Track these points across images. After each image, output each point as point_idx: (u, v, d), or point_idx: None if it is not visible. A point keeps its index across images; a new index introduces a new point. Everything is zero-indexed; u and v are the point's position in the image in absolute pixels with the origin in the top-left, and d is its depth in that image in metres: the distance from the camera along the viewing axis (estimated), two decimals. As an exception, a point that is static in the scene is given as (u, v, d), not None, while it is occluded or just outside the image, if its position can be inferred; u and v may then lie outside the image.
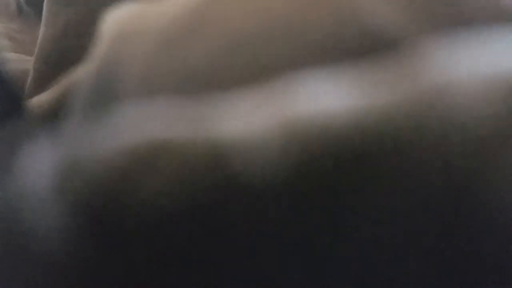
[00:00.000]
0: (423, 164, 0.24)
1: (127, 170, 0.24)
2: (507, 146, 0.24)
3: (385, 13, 0.26)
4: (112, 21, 0.29)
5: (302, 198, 0.24)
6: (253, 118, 0.25)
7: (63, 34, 0.57)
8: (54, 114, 0.33)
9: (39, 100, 0.42)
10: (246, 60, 0.25)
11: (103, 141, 0.25)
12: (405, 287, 0.24)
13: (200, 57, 0.26)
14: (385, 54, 0.25)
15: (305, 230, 0.24)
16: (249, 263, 0.24)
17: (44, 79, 0.52)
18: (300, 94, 0.25)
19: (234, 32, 0.26)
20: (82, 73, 0.29)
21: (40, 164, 0.26)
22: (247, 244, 0.24)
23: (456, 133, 0.24)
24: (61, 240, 0.25)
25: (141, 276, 0.25)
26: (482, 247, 0.24)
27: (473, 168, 0.24)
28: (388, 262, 0.24)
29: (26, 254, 0.25)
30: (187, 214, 0.24)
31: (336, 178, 0.24)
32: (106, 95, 0.27)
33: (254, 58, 0.25)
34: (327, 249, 0.24)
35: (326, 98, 0.24)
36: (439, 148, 0.24)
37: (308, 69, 0.25)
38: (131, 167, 0.24)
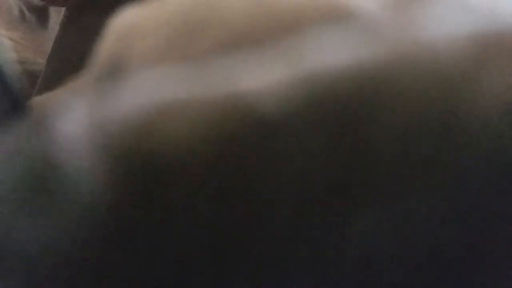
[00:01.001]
0: (413, 104, 0.26)
1: (145, 130, 0.26)
2: (475, 86, 0.27)
3: None
4: (119, 21, 0.31)
5: (311, 128, 0.26)
6: (265, 72, 0.27)
7: (78, 39, 0.58)
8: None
9: (44, 99, 0.44)
10: (233, 22, 0.28)
11: (119, 107, 0.27)
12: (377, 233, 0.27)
13: (206, 47, 0.28)
14: (364, 18, 0.28)
15: (313, 162, 0.26)
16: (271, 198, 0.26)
17: (55, 80, 0.53)
18: (308, 51, 0.27)
19: (240, 23, 0.28)
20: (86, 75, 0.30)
21: (74, 123, 0.27)
22: (267, 180, 0.26)
23: (435, 75, 0.27)
24: (96, 185, 0.26)
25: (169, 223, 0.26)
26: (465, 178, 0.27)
27: (448, 102, 0.27)
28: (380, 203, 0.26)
29: (62, 199, 0.26)
30: (214, 154, 0.26)
31: (340, 115, 0.26)
32: (119, 68, 0.29)
33: (242, 19, 0.28)
34: (329, 188, 0.26)
35: (327, 55, 0.27)
36: (424, 88, 0.27)
37: (315, 28, 0.28)
38: (149, 127, 0.26)
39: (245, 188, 0.26)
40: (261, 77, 0.27)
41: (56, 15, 0.75)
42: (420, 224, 0.27)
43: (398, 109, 0.26)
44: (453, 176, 0.27)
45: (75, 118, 0.27)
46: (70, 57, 0.58)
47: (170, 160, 0.26)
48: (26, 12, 0.75)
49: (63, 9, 0.62)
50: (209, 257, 0.26)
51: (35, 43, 0.73)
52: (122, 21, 0.31)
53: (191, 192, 0.26)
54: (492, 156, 0.27)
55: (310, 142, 0.26)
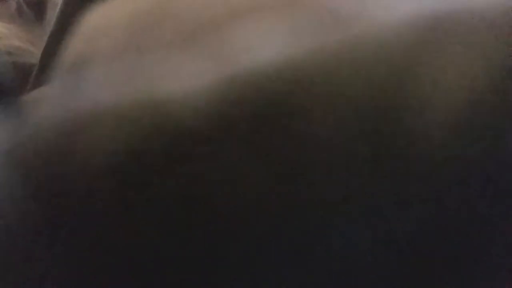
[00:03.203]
0: (351, 92, 0.26)
1: (71, 137, 0.26)
2: (422, 79, 0.26)
3: None
4: (85, 20, 0.32)
5: (241, 143, 0.25)
6: (191, 72, 0.26)
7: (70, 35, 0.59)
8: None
9: (38, 94, 0.45)
10: (183, 19, 0.27)
11: (49, 111, 0.27)
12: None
13: (159, 43, 0.28)
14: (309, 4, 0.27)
15: (244, 172, 0.25)
16: (199, 210, 0.25)
17: (47, 75, 0.55)
18: (235, 45, 0.26)
19: (191, 22, 0.28)
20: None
21: None
22: (197, 189, 0.25)
23: (378, 67, 0.26)
24: (12, 203, 0.26)
25: (84, 241, 0.26)
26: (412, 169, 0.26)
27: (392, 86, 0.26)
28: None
29: None
30: (131, 163, 0.25)
31: (270, 122, 0.25)
32: (81, 68, 0.28)
33: (191, 16, 0.27)
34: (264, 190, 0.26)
35: (260, 49, 0.26)
36: (364, 74, 0.26)
37: (243, 23, 0.27)
38: (76, 133, 0.26)
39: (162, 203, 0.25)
40: (185, 77, 0.26)
41: (53, 11, 0.76)
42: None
43: (334, 108, 0.25)
44: (395, 180, 0.26)
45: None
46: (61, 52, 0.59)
47: (87, 175, 0.25)
48: (24, 6, 0.76)
49: (59, 5, 0.63)
50: None
51: (32, 37, 0.74)
52: (88, 20, 0.31)
53: (108, 209, 0.25)
54: (438, 163, 0.26)
55: (229, 150, 0.25)
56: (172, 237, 0.26)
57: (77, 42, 0.31)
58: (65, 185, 0.25)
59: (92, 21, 0.32)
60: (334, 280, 0.26)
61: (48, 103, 0.28)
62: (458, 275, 0.27)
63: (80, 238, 0.25)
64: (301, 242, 0.26)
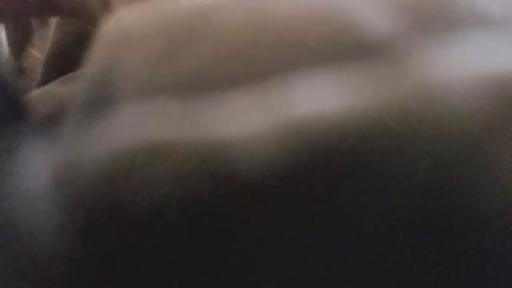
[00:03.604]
0: (415, 161, 0.24)
1: (124, 172, 0.25)
2: (494, 142, 0.24)
3: (377, 18, 0.27)
4: (111, 25, 0.29)
5: (297, 194, 0.24)
6: (249, 118, 0.25)
7: (74, 39, 0.58)
8: (54, 116, 0.33)
9: (38, 94, 0.43)
10: (243, 62, 0.26)
11: (100, 143, 0.26)
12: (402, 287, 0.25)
13: (199, 60, 0.26)
14: (377, 56, 0.26)
15: (299, 226, 0.24)
16: (246, 259, 0.25)
17: (52, 79, 0.53)
18: (296, 94, 0.25)
19: (233, 37, 0.27)
20: (81, 76, 0.29)
21: (38, 166, 0.26)
22: (244, 241, 0.24)
23: (446, 130, 0.24)
24: (58, 241, 0.25)
25: (134, 276, 0.25)
26: (477, 246, 0.25)
27: (463, 164, 0.24)
28: (382, 261, 0.25)
29: (23, 254, 0.25)
30: (186, 213, 0.24)
31: (331, 175, 0.24)
32: (103, 97, 0.27)
33: (251, 60, 0.26)
34: (320, 246, 0.25)
35: (321, 98, 0.25)
36: (430, 144, 0.24)
37: (304, 71, 0.26)
38: (129, 169, 0.25)
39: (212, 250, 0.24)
40: (245, 121, 0.25)
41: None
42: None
43: (395, 162, 0.24)
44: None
45: (42, 163, 0.26)
46: (66, 57, 0.57)
47: (135, 224, 0.24)
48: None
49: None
50: None
51: (36, 40, 0.73)
52: (114, 26, 0.29)
53: (164, 248, 0.25)
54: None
55: (283, 203, 0.24)
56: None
57: (103, 49, 0.29)
58: (114, 219, 0.25)
59: (119, 26, 0.29)
60: None
61: (98, 131, 0.26)
62: None
63: (124, 275, 0.25)
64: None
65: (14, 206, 0.26)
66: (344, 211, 0.24)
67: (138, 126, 0.25)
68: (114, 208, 0.25)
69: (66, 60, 0.58)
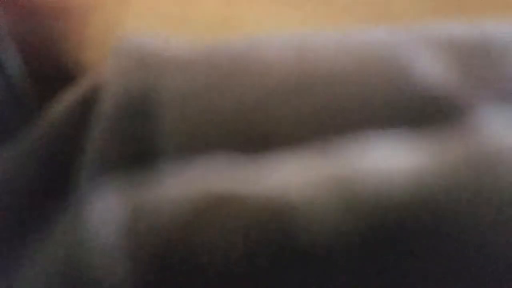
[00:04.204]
0: (481, 235, 0.23)
1: (190, 222, 0.24)
2: None
3: (442, 80, 0.25)
4: (138, 43, 0.27)
5: (361, 262, 0.23)
6: (311, 177, 0.24)
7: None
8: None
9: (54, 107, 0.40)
10: (304, 115, 0.25)
11: (165, 192, 0.24)
12: None
13: (251, 103, 0.25)
14: (441, 120, 0.25)
15: None
16: None
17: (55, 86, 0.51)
18: (357, 155, 0.24)
19: (284, 81, 0.26)
20: (104, 104, 0.27)
21: (104, 212, 0.25)
22: None
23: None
24: None
25: None
26: None
27: None
28: None
29: None
30: (246, 271, 0.23)
31: (396, 243, 0.23)
32: (146, 142, 0.26)
33: (312, 115, 0.25)
34: None
35: (383, 161, 0.24)
36: (497, 218, 0.23)
37: (364, 130, 0.25)
38: (194, 219, 0.24)
39: None
40: (302, 180, 0.24)
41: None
42: None
43: (463, 233, 0.23)
44: None
45: (109, 212, 0.25)
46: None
47: (200, 276, 0.23)
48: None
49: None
50: None
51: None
52: (144, 46, 0.26)
53: None
54: None
55: (340, 270, 0.23)
56: None
57: (133, 72, 0.26)
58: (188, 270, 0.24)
59: (151, 47, 0.27)
60: None
61: (172, 179, 0.25)
62: None
63: None
64: None
65: (84, 256, 0.25)
66: (414, 277, 0.23)
67: (200, 177, 0.24)
68: (181, 258, 0.24)
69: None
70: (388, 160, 0.24)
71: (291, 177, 0.24)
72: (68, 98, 0.29)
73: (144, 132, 0.25)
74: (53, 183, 0.28)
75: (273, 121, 0.25)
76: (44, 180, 0.28)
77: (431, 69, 0.26)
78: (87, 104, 0.28)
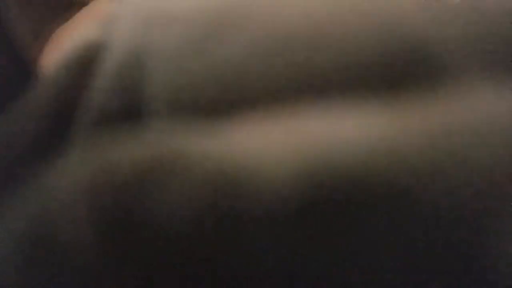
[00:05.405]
0: (439, 199, 0.23)
1: (143, 182, 0.23)
2: None
3: (433, 39, 0.25)
4: (135, 3, 0.27)
5: (309, 229, 0.23)
6: (272, 143, 0.24)
7: None
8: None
9: (48, 62, 0.40)
10: (278, 72, 0.25)
11: (125, 152, 0.24)
12: None
13: (234, 55, 0.25)
14: (424, 82, 0.24)
15: (311, 258, 0.23)
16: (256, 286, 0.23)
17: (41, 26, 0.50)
18: (322, 122, 0.24)
19: (270, 35, 0.25)
20: (101, 64, 0.27)
21: (74, 171, 0.25)
22: (253, 267, 0.23)
23: (479, 174, 0.23)
24: (87, 244, 0.24)
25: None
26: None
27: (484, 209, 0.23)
28: None
29: (53, 256, 0.25)
30: (193, 232, 0.23)
31: (345, 212, 0.23)
32: (132, 99, 0.25)
33: (288, 71, 0.25)
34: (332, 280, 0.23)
35: (348, 129, 0.23)
36: (457, 189, 0.23)
37: (342, 93, 0.24)
38: (148, 178, 0.23)
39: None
40: (262, 143, 0.23)
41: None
42: None
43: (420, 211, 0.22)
44: None
45: (72, 173, 0.25)
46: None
47: (152, 232, 0.23)
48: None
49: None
50: None
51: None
52: (139, 4, 0.27)
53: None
54: None
55: (304, 237, 0.22)
56: None
57: (126, 28, 0.26)
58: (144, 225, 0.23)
59: (145, 3, 0.27)
60: None
61: (135, 139, 0.25)
62: None
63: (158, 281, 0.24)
64: None
65: (48, 211, 0.25)
66: (362, 245, 0.23)
67: (162, 137, 0.24)
68: (143, 213, 0.24)
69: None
70: (353, 129, 0.23)
71: (253, 141, 0.23)
72: (65, 57, 0.29)
73: (136, 89, 0.25)
74: (47, 141, 0.28)
75: (253, 79, 0.24)
76: (38, 139, 0.28)
77: (422, 27, 0.25)
78: (85, 62, 0.28)
